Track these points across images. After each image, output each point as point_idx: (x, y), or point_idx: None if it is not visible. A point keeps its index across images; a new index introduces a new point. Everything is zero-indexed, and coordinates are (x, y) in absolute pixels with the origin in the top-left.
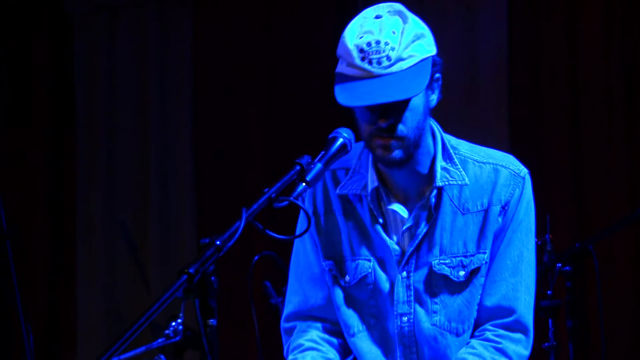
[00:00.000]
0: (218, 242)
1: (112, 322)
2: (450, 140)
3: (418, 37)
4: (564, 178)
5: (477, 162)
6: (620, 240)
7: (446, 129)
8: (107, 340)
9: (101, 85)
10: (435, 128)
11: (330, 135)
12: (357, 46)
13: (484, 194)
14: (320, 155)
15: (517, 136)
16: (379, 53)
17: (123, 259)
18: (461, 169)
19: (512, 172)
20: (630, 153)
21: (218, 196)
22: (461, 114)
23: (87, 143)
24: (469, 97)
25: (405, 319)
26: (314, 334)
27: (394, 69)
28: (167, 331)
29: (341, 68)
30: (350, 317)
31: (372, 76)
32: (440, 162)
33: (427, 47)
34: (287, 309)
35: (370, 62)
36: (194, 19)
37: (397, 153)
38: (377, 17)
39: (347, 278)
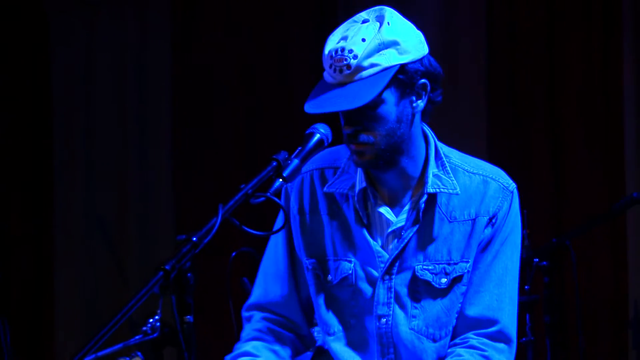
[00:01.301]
0: (194, 239)
1: (90, 318)
2: (443, 147)
3: (387, 46)
4: (542, 173)
5: (467, 172)
6: (597, 236)
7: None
8: (85, 336)
9: (79, 81)
10: (429, 134)
11: (307, 131)
12: (330, 52)
13: (472, 204)
14: (297, 151)
15: (495, 131)
16: (342, 61)
17: (101, 254)
18: (453, 178)
19: (502, 185)
20: (608, 148)
21: (196, 192)
22: (439, 111)
23: (65, 138)
24: (447, 94)
25: (383, 320)
26: (265, 325)
27: (353, 77)
28: (144, 328)
29: (324, 72)
30: (331, 317)
31: (336, 84)
32: (432, 169)
33: (399, 55)
34: (250, 299)
35: (334, 70)
36: (173, 17)
37: (367, 159)
38: (364, 21)
39: (329, 277)
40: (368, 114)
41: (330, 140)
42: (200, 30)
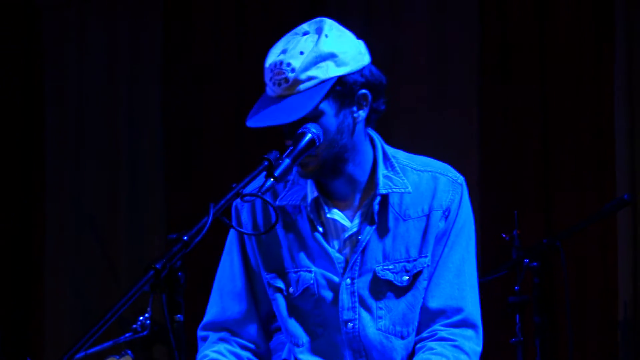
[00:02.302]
0: (185, 238)
1: (81, 315)
2: (389, 149)
3: (324, 58)
4: (533, 174)
5: (416, 170)
6: (588, 237)
7: (415, 128)
8: (75, 335)
9: (70, 78)
10: (375, 138)
11: (299, 131)
12: (270, 65)
13: (424, 201)
14: (289, 150)
15: (487, 133)
16: (280, 74)
17: (92, 253)
18: (403, 177)
19: (451, 179)
20: (599, 150)
21: (187, 190)
22: (430, 112)
23: (55, 136)
24: (439, 94)
25: (350, 325)
26: (222, 347)
27: (290, 91)
28: (134, 326)
29: (266, 87)
30: (297, 328)
31: (276, 97)
32: (382, 171)
33: (336, 67)
34: (205, 318)
35: (274, 83)
36: (165, 13)
37: (311, 170)
38: (305, 33)
39: (291, 289)
40: (308, 125)
41: (322, 139)
42: (193, 28)
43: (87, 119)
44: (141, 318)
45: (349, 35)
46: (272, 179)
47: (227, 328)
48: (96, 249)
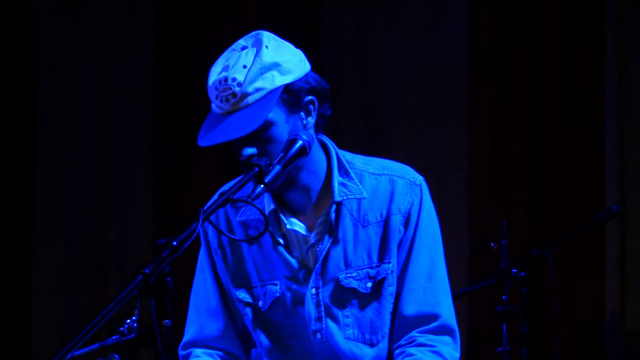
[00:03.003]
0: (174, 243)
1: (69, 316)
2: (345, 155)
3: (269, 69)
4: (522, 184)
5: (373, 174)
6: (576, 247)
7: (407, 135)
8: (63, 336)
9: (63, 79)
10: (329, 145)
11: (290, 137)
12: (214, 83)
13: (382, 205)
14: (279, 157)
15: (476, 142)
16: (227, 90)
17: (81, 255)
18: (358, 183)
19: (408, 181)
20: (588, 160)
21: (177, 195)
22: (421, 121)
23: (47, 137)
24: (430, 104)
25: (318, 335)
26: (209, 357)
27: (240, 104)
28: (121, 328)
29: (212, 104)
30: (270, 341)
31: (224, 113)
32: (337, 178)
33: (281, 76)
34: (185, 337)
35: (221, 100)
36: (156, 16)
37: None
38: (243, 48)
39: (260, 303)
40: (260, 137)
41: (312, 146)
42: (185, 24)
43: (79, 118)
44: (128, 321)
45: (287, 45)
46: (262, 185)
47: (208, 345)
48: (85, 251)
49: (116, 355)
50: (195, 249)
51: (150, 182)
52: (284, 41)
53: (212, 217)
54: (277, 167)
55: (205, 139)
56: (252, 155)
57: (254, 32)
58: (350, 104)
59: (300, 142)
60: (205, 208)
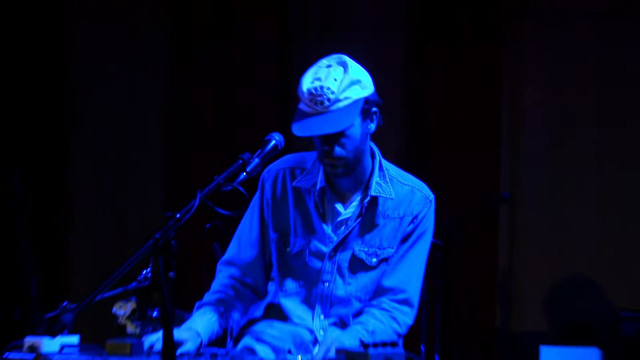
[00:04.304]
0: (177, 215)
1: (99, 268)
2: (384, 162)
3: (354, 83)
4: (440, 170)
5: (400, 182)
6: (476, 224)
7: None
8: (95, 284)
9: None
10: (375, 150)
11: (266, 138)
12: (308, 90)
13: (400, 207)
14: (258, 152)
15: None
16: (322, 96)
17: (113, 220)
18: (390, 186)
19: (424, 195)
20: (487, 157)
21: (183, 178)
22: None
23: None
24: None
25: (326, 284)
26: (230, 282)
27: (332, 108)
28: (139, 277)
29: (300, 105)
30: (286, 280)
31: (317, 113)
32: (376, 178)
33: (362, 90)
34: (225, 255)
35: (316, 103)
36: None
37: (340, 170)
38: (328, 66)
39: (288, 249)
40: (342, 135)
41: (282, 145)
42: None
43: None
44: (144, 272)
45: (362, 68)
46: (244, 173)
47: (239, 267)
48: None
49: (134, 298)
50: (192, 224)
51: (160, 169)
52: (358, 64)
53: (271, 178)
54: (256, 160)
55: (302, 131)
56: (333, 148)
57: (336, 55)
58: None
59: (273, 142)
60: (202, 191)
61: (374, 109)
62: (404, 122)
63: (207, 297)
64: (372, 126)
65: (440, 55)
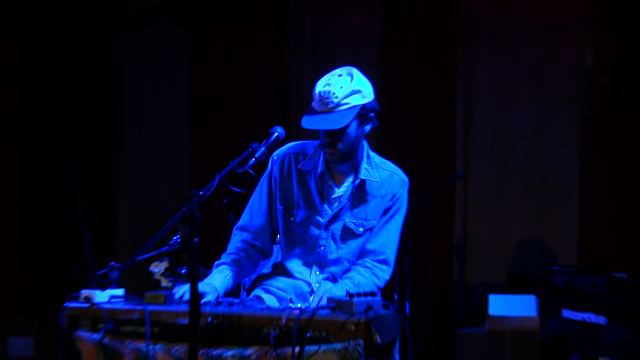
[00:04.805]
0: (201, 193)
1: (140, 238)
2: (370, 152)
3: (355, 92)
4: (407, 151)
5: (382, 168)
6: (436, 199)
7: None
8: (136, 248)
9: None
10: (364, 145)
11: (271, 130)
12: (320, 92)
13: (382, 187)
14: (264, 142)
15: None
16: (329, 99)
17: (149, 196)
18: (375, 171)
19: (401, 178)
20: (444, 140)
21: (210, 162)
22: None
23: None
24: None
25: (322, 248)
26: (243, 245)
27: (335, 110)
28: (170, 242)
29: (313, 103)
30: (289, 243)
31: (323, 112)
32: (364, 165)
33: (361, 98)
34: (239, 221)
35: (323, 104)
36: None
37: (336, 158)
38: (339, 75)
39: (292, 218)
40: (342, 132)
41: (283, 136)
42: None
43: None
44: (175, 238)
45: (367, 79)
46: (253, 159)
47: (251, 232)
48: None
49: (167, 259)
50: (212, 199)
51: (187, 157)
52: (364, 76)
53: (279, 161)
54: (263, 148)
55: (309, 124)
56: (334, 141)
57: (347, 66)
58: None
59: (276, 134)
60: (220, 173)
61: (371, 114)
62: (381, 119)
63: (224, 257)
64: (368, 128)
65: (408, 65)
